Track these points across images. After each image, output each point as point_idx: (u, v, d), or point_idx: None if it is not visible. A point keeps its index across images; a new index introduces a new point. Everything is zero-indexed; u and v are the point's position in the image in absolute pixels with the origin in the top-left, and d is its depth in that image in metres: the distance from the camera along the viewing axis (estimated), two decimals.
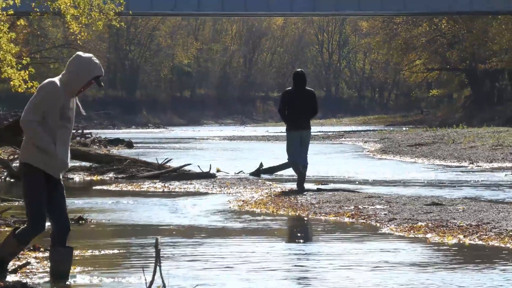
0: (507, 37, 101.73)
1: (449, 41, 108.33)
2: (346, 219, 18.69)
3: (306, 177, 24.55)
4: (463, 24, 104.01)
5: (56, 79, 11.68)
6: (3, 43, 35.48)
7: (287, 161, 28.15)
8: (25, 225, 12.06)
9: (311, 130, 24.86)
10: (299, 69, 25.56)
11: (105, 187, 27.26)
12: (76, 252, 14.08)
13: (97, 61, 11.77)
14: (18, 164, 11.98)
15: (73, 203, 21.82)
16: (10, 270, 12.28)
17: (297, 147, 24.42)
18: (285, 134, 25.00)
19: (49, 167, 11.67)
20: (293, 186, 25.83)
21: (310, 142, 24.77)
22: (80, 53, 11.82)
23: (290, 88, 24.61)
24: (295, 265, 13.27)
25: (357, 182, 28.36)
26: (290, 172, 31.40)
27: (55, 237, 11.78)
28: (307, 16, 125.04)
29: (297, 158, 24.44)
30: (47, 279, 11.89)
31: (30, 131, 11.54)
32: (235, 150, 27.33)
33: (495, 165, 35.42)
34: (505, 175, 30.72)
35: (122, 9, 39.84)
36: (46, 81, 11.71)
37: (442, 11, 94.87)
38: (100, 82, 11.71)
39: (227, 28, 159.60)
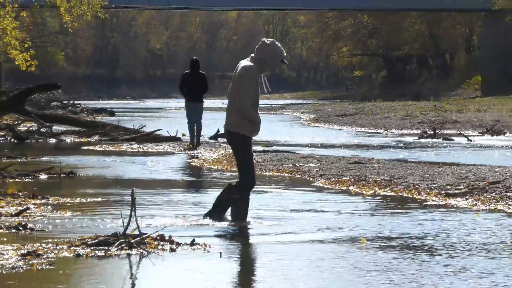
0: (416, 30, 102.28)
1: (370, 32, 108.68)
2: (286, 175, 18.71)
3: (261, 142, 24.67)
4: (381, 18, 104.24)
5: (251, 63, 11.79)
6: (9, 30, 35.48)
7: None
8: (235, 184, 12.03)
9: (203, 103, 27.35)
10: (194, 57, 28.20)
11: (91, 148, 27.15)
12: (66, 200, 14.07)
13: (279, 44, 12.00)
14: (228, 132, 12.18)
15: (65, 160, 21.73)
16: (13, 213, 12.21)
17: (194, 115, 26.64)
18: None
19: (253, 133, 11.92)
20: None
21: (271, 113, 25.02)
22: (265, 39, 11.97)
23: (188, 71, 26.83)
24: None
25: (295, 145, 28.38)
26: None
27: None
28: (256, 10, 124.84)
29: (193, 124, 26.72)
30: (44, 221, 11.83)
31: (247, 111, 11.77)
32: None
33: (405, 131, 35.58)
34: (413, 139, 30.88)
35: (106, 3, 39.85)
36: (248, 66, 11.78)
37: (364, 7, 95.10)
38: (284, 61, 12.03)
39: (192, 20, 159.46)
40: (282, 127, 42.88)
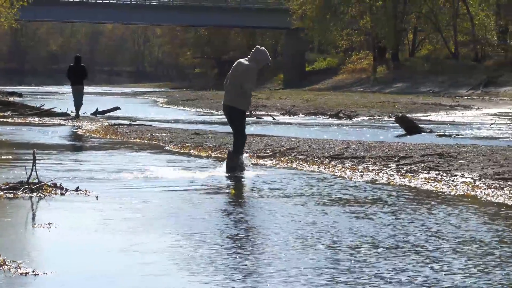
0: (238, 41, 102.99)
1: (206, 41, 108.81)
2: (146, 141, 18.58)
3: (120, 119, 24.49)
4: (214, 32, 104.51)
5: (250, 62, 12.01)
6: None
7: (115, 106, 29.01)
8: (236, 145, 12.40)
9: (84, 87, 27.77)
10: (78, 54, 28.96)
11: (5, 120, 26.41)
12: None
13: (267, 52, 12.26)
14: (231, 107, 12.30)
15: None
16: None
17: (76, 94, 27.48)
18: (114, 91, 25.63)
19: (248, 109, 12.39)
20: (116, 121, 25.47)
21: (120, 97, 24.83)
22: (259, 47, 12.22)
23: (72, 64, 27.53)
24: (120, 165, 13.08)
25: (152, 120, 28.20)
26: (115, 113, 31.04)
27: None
28: (126, 24, 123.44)
29: (76, 102, 27.63)
30: None
31: (250, 95, 12.13)
32: (83, 100, 27.27)
33: None
34: None
35: (18, 17, 39.34)
36: (251, 64, 12.02)
37: (202, 24, 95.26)
38: (269, 64, 12.23)
39: (80, 29, 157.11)
40: (143, 107, 42.54)
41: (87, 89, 28.79)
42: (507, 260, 6.46)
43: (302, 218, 8.32)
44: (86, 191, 9.82)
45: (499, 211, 8.88)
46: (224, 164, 12.46)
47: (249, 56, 12.19)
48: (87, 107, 30.23)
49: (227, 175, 11.99)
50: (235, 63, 12.31)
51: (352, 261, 6.39)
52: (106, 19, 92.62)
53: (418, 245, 7.00)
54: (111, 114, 30.87)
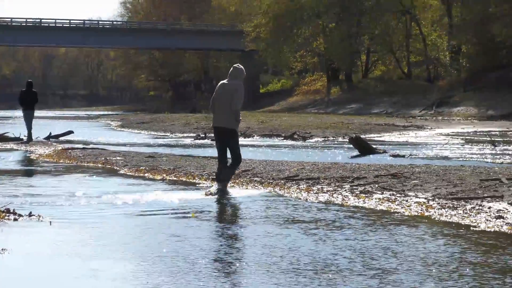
0: (193, 63, 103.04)
1: (160, 64, 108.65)
2: (99, 165, 18.41)
3: (75, 142, 24.24)
4: (168, 54, 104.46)
5: (235, 81, 12.40)
6: None
7: (68, 130, 28.82)
8: (231, 162, 12.79)
9: (34, 111, 28.06)
10: (29, 80, 29.67)
11: None
12: None
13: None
14: (224, 128, 12.66)
15: None
16: None
17: (27, 119, 27.78)
18: (67, 114, 25.46)
19: (237, 128, 12.62)
20: (70, 145, 25.23)
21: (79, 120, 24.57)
22: (237, 66, 12.58)
23: (24, 89, 28.08)
24: (73, 191, 12.93)
25: (106, 144, 27.95)
26: (69, 137, 30.72)
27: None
28: (78, 47, 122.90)
29: (28, 127, 27.66)
30: None
31: (239, 114, 12.47)
32: (36, 124, 27.20)
33: (185, 134, 35.63)
34: (191, 140, 30.93)
35: None
36: (239, 84, 12.39)
37: (154, 46, 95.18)
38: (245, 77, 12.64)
39: (32, 53, 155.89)
40: (97, 130, 42.23)
41: (40, 113, 28.66)
42: (477, 280, 6.49)
43: (262, 241, 8.26)
44: (40, 216, 9.71)
45: (457, 232, 8.92)
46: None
47: (229, 76, 12.42)
48: (41, 132, 29.91)
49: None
50: (219, 85, 12.59)
51: (317, 285, 6.33)
52: (60, 42, 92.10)
53: (381, 267, 6.98)
54: (64, 138, 30.59)
